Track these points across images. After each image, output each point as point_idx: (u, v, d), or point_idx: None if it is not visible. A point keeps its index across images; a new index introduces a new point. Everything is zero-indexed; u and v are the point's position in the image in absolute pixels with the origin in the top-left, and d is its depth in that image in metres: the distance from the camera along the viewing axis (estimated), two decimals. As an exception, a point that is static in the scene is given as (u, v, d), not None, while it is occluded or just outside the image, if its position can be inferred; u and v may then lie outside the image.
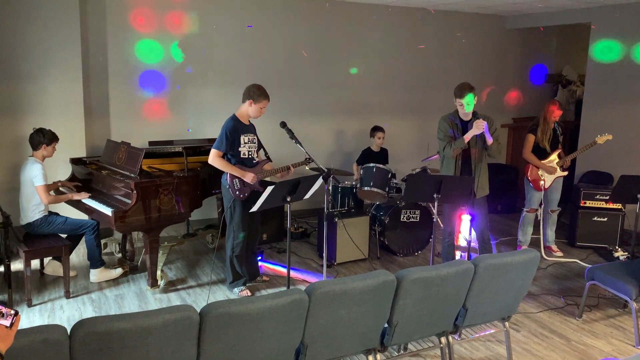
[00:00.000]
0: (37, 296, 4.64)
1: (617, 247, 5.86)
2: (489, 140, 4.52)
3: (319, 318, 2.77)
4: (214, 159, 4.49)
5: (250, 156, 4.60)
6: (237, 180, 4.51)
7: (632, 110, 6.70)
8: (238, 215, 4.57)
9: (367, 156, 6.50)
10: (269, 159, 4.84)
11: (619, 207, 6.04)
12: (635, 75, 6.64)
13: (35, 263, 5.01)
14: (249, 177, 4.49)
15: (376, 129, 6.53)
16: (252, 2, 6.55)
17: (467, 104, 4.56)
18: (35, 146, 4.68)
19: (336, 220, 5.39)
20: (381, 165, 5.79)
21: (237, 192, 4.51)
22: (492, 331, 4.12)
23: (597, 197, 6.11)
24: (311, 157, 4.61)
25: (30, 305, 4.45)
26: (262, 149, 4.86)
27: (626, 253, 5.62)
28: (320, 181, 4.25)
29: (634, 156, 6.67)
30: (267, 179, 4.79)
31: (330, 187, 6.04)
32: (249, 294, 4.72)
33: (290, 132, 4.53)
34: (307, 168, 4.79)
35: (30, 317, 4.28)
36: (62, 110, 5.63)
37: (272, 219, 6.03)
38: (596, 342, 4.06)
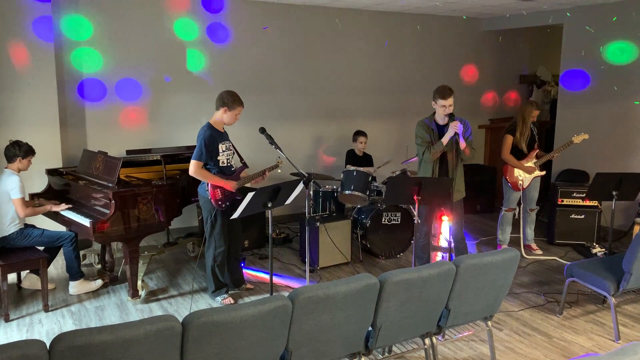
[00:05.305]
0: (15, 311, 4.54)
1: (594, 244, 5.95)
2: (462, 144, 4.57)
3: (302, 324, 2.77)
4: (195, 170, 4.38)
5: (228, 164, 4.55)
6: (218, 190, 4.47)
7: (605, 109, 6.82)
8: (219, 225, 4.52)
9: (352, 159, 6.49)
10: (245, 165, 4.80)
11: (596, 204, 6.14)
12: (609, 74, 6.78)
13: (12, 277, 4.90)
14: (231, 186, 4.46)
15: (358, 133, 6.54)
16: (230, 8, 6.53)
17: (450, 105, 4.61)
18: (10, 159, 4.59)
19: (318, 224, 5.39)
20: (362, 169, 5.81)
21: (218, 202, 4.46)
22: (475, 331, 4.16)
23: (574, 195, 6.20)
24: (282, 159, 4.56)
25: (7, 320, 4.35)
26: (235, 155, 4.81)
27: (603, 249, 5.71)
28: (301, 186, 4.24)
29: (609, 154, 6.80)
30: (247, 185, 4.76)
31: (312, 192, 6.04)
32: (232, 302, 4.68)
33: (269, 138, 4.52)
34: (278, 171, 4.76)
35: (8, 333, 4.19)
36: (37, 120, 5.54)
37: (253, 225, 6.00)
38: (577, 338, 4.12)
